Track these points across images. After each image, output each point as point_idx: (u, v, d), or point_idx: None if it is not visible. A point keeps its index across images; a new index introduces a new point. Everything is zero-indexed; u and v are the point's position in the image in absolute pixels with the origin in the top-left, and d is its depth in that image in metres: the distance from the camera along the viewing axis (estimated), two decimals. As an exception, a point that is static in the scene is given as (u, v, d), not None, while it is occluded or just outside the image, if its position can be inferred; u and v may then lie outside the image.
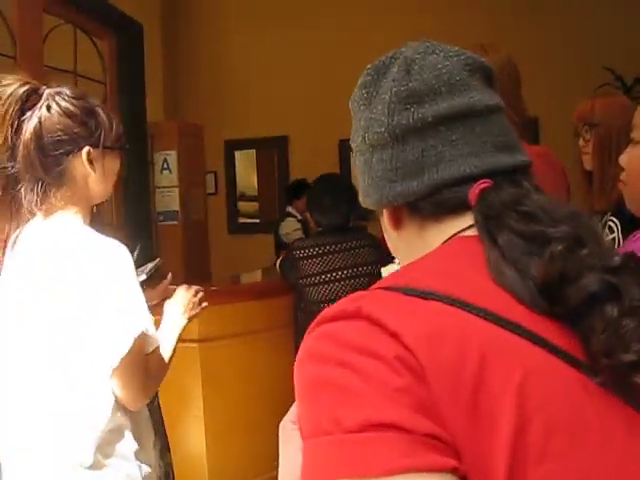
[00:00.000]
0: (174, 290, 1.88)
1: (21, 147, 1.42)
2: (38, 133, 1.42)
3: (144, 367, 1.43)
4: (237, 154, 6.94)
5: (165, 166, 6.04)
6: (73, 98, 1.47)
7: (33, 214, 1.47)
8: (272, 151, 6.88)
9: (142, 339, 1.40)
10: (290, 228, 5.59)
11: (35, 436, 1.43)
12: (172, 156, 6.05)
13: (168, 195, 6.06)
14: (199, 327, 3.14)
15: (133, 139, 5.68)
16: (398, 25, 5.42)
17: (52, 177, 1.44)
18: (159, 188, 6.08)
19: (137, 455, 1.46)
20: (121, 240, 1.46)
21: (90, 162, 1.48)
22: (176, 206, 6.05)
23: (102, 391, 1.42)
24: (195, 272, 6.08)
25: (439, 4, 5.91)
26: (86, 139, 1.47)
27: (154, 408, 1.74)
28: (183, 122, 6.41)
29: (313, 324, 0.67)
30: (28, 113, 1.42)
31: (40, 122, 1.42)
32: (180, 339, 1.69)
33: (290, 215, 5.73)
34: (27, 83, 1.44)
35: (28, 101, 1.43)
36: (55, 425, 1.42)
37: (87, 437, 1.41)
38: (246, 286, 4.12)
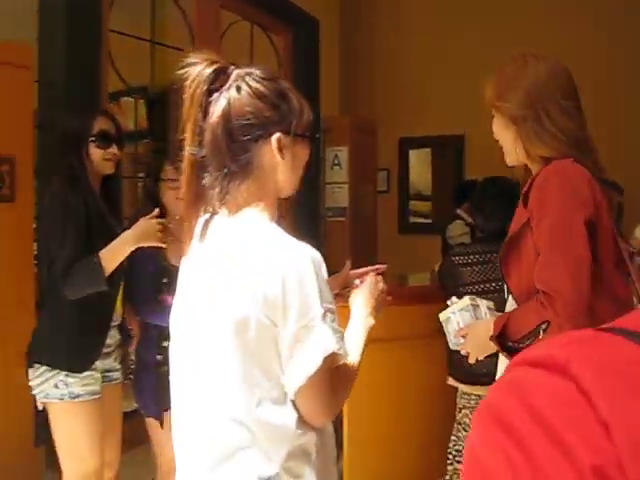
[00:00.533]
0: (356, 276, 1.72)
1: (208, 131, 1.30)
2: (226, 116, 1.29)
3: (331, 383, 1.28)
4: (411, 152, 6.78)
5: (336, 162, 6.03)
6: (264, 79, 1.33)
7: (215, 207, 1.34)
8: (447, 150, 6.66)
9: (331, 357, 1.24)
10: (457, 231, 5.31)
11: (211, 439, 1.31)
12: (343, 152, 6.02)
13: (338, 191, 6.04)
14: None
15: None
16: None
17: (238, 165, 1.30)
18: (329, 184, 6.08)
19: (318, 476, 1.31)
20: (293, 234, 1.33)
21: (280, 150, 1.31)
22: (345, 202, 6.02)
23: (287, 399, 1.28)
24: (361, 270, 6.01)
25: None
26: (277, 124, 1.31)
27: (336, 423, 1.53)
28: (356, 118, 6.37)
29: (513, 360, 0.49)
30: (216, 95, 1.30)
31: (229, 104, 1.29)
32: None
33: (459, 217, 5.44)
34: (215, 62, 1.32)
35: (216, 82, 1.31)
36: (233, 424, 1.28)
37: (273, 448, 1.27)
38: (404, 290, 3.91)
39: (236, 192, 1.31)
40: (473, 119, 6.05)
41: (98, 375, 2.39)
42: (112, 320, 2.43)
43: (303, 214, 5.69)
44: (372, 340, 3.09)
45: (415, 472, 3.26)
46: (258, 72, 1.33)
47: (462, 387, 3.08)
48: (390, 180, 6.77)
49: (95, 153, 2.37)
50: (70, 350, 2.31)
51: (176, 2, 4.57)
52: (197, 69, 1.30)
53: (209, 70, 1.30)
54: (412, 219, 6.82)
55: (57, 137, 2.79)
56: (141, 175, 4.76)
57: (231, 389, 1.27)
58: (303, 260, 1.25)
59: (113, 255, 2.23)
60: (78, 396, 2.30)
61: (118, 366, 2.53)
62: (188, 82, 1.30)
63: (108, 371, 2.47)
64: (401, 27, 6.55)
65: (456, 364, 3.06)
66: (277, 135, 1.30)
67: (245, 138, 1.29)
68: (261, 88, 1.30)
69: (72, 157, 2.36)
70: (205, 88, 1.29)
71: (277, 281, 1.22)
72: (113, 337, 2.47)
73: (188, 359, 1.36)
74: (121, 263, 2.26)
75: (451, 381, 3.10)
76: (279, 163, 1.32)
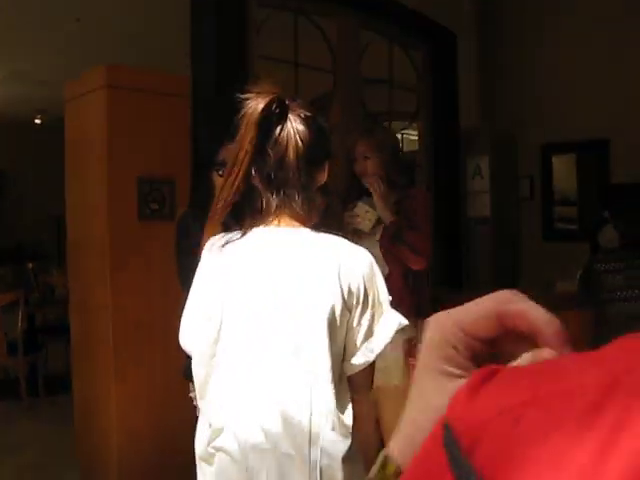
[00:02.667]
0: None
1: (277, 155, 1.53)
2: (297, 146, 1.53)
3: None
4: (555, 158, 6.65)
5: (477, 171, 6.04)
6: (316, 115, 1.60)
7: (270, 217, 1.57)
8: (592, 155, 6.47)
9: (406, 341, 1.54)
10: (607, 236, 5.16)
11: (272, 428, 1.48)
12: (484, 161, 6.02)
13: (479, 200, 6.04)
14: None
15: (444, 145, 5.79)
16: None
17: (302, 185, 1.55)
18: (470, 193, 6.09)
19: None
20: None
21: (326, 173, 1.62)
22: (487, 211, 6.00)
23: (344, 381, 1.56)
24: (506, 278, 5.95)
25: None
26: (329, 153, 1.62)
27: None
28: (496, 127, 6.35)
29: None
30: (284, 123, 1.53)
31: (300, 136, 1.53)
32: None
33: (607, 222, 5.30)
34: (271, 95, 1.52)
35: (272, 111, 1.53)
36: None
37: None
38: (550, 297, 3.86)
39: (296, 205, 1.55)
40: (618, 122, 5.90)
41: None
42: None
43: (445, 224, 5.76)
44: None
45: None
46: (309, 107, 1.58)
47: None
48: (533, 187, 6.66)
49: (217, 180, 2.41)
50: None
51: (317, 27, 4.81)
52: (255, 100, 1.52)
53: (266, 101, 1.51)
54: (557, 226, 6.67)
55: (199, 162, 3.04)
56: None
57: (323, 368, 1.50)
58: (371, 260, 1.55)
59: None
60: None
61: None
62: (246, 110, 1.51)
63: None
64: (542, 32, 6.47)
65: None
66: (328, 161, 1.60)
67: (311, 165, 1.55)
68: (322, 123, 1.59)
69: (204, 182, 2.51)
70: (261, 116, 1.49)
71: (358, 276, 1.51)
72: None
73: (264, 348, 1.52)
74: None
75: None
76: (322, 185, 1.61)
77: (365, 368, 1.55)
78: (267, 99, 1.52)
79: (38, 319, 7.32)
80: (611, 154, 6.16)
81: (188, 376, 1.75)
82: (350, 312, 1.51)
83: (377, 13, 5.15)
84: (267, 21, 4.33)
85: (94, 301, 3.49)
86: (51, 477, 4.15)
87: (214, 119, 3.88)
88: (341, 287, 1.49)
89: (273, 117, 1.53)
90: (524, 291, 0.44)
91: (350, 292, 1.50)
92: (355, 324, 1.52)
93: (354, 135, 3.32)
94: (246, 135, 1.51)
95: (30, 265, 10.06)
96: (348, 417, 1.51)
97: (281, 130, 1.53)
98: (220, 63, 3.88)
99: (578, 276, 3.25)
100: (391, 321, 1.55)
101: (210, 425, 1.54)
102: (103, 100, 3.37)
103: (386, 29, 5.40)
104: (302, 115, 1.56)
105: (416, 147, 5.91)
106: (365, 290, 1.51)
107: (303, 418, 1.46)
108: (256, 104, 1.52)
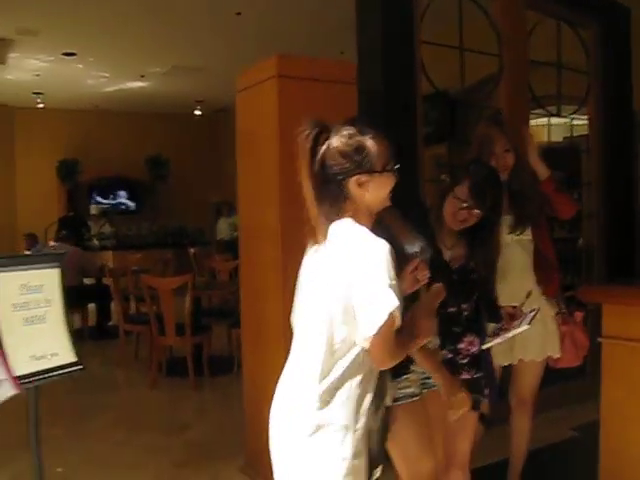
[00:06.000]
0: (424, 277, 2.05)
1: (315, 172, 1.89)
2: (322, 164, 1.88)
3: (393, 336, 1.77)
4: None
5: (651, 157, 5.65)
6: (348, 137, 1.88)
7: (329, 220, 1.89)
8: None
9: (391, 317, 1.73)
10: None
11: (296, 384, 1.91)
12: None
13: (654, 188, 5.66)
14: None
15: (617, 129, 5.46)
16: None
17: (336, 194, 1.89)
18: (645, 180, 5.71)
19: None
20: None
21: (360, 185, 1.87)
22: (662, 199, 5.61)
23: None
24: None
25: None
26: (354, 170, 1.86)
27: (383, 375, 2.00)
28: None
29: None
30: (319, 148, 1.88)
31: (323, 157, 1.88)
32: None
33: None
34: (319, 126, 1.89)
35: (319, 139, 1.89)
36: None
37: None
38: None
39: (340, 209, 1.88)
40: None
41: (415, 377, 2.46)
42: None
43: (617, 212, 5.44)
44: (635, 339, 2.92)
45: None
46: (344, 132, 1.88)
47: None
48: None
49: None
50: None
51: (484, 9, 4.66)
52: (306, 131, 1.88)
53: (314, 131, 1.88)
54: None
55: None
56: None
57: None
58: (376, 248, 1.77)
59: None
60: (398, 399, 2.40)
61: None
62: (300, 139, 1.88)
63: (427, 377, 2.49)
64: None
65: None
66: (355, 177, 1.86)
67: (335, 179, 1.87)
68: (341, 146, 1.86)
69: None
70: (311, 145, 1.87)
71: (358, 261, 1.77)
72: None
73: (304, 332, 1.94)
74: None
75: None
76: (363, 194, 1.88)
77: (376, 342, 1.76)
78: (315, 129, 1.91)
79: (204, 302, 7.67)
80: None
81: None
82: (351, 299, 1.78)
83: (544, -9, 4.93)
84: (431, 5, 4.25)
85: (266, 287, 3.59)
86: (221, 454, 4.33)
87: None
88: (344, 273, 1.79)
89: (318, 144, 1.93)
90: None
91: (350, 277, 1.78)
92: (354, 306, 1.78)
93: (489, 129, 3.29)
94: (302, 162, 1.93)
95: (192, 250, 10.59)
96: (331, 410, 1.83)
97: (317, 154, 1.92)
98: (386, 49, 3.86)
99: None
100: (383, 304, 1.74)
101: None
102: (275, 89, 3.44)
103: (553, 8, 5.14)
104: (333, 141, 1.90)
105: (586, 132, 5.60)
106: (361, 273, 1.76)
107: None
108: (306, 135, 1.91)
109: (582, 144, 5.92)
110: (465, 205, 2.50)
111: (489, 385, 2.70)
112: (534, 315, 2.72)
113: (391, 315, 1.73)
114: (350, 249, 1.82)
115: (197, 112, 14.28)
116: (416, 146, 3.83)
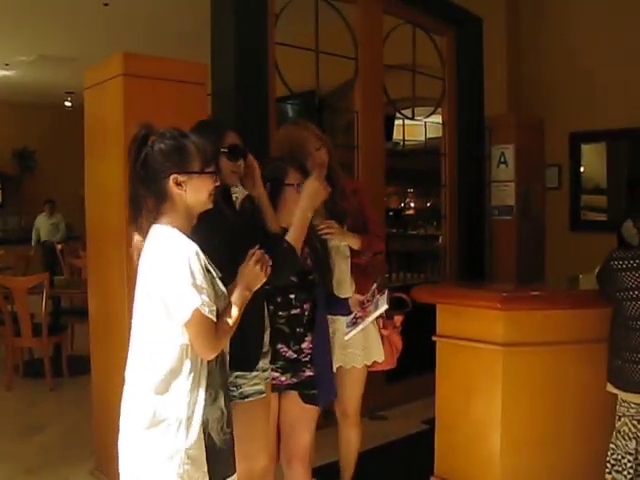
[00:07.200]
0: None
1: (138, 174, 1.97)
2: (144, 164, 1.95)
3: (207, 330, 1.87)
4: (584, 146, 6.53)
5: (502, 160, 5.96)
6: (170, 138, 1.95)
7: (150, 221, 1.97)
8: (624, 143, 6.35)
9: (197, 313, 1.84)
10: (629, 231, 5.00)
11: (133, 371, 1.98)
12: (509, 150, 5.95)
13: (504, 189, 5.97)
14: (504, 330, 3.10)
15: (469, 132, 5.71)
16: None
17: (157, 195, 1.95)
18: (495, 182, 6.01)
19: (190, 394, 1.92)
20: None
21: (178, 185, 1.93)
22: (512, 201, 5.94)
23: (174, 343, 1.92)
24: (528, 269, 5.89)
25: None
26: (172, 168, 1.92)
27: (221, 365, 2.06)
28: (522, 115, 6.25)
29: None
30: (143, 149, 1.95)
31: (146, 157, 1.95)
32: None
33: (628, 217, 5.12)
34: (145, 128, 1.97)
35: (146, 140, 1.96)
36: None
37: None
38: (561, 294, 3.66)
39: (160, 210, 1.96)
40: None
41: (264, 375, 2.46)
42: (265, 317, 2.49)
43: (468, 213, 5.70)
44: (535, 344, 3.08)
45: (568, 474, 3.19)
46: (167, 134, 1.95)
47: (622, 394, 2.97)
48: (561, 176, 6.55)
49: (225, 165, 2.40)
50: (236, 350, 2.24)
51: (339, 12, 4.75)
52: (135, 130, 1.97)
53: (141, 133, 1.96)
54: (586, 216, 6.55)
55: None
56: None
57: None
58: (180, 251, 1.87)
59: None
60: (247, 396, 2.40)
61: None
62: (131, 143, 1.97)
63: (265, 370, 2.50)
64: (569, 20, 6.35)
65: (615, 371, 2.97)
66: (173, 176, 1.93)
67: (154, 179, 1.94)
68: (163, 147, 1.93)
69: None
70: (136, 146, 1.95)
71: (162, 265, 1.88)
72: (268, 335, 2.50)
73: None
74: None
75: (610, 388, 3.00)
76: (181, 192, 1.94)
77: (192, 336, 1.88)
78: (143, 131, 1.99)
79: (66, 301, 7.41)
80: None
81: None
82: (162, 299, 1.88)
83: (401, -2, 5.08)
84: (287, 7, 4.30)
85: (112, 287, 3.53)
86: (72, 457, 4.22)
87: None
88: (153, 276, 1.90)
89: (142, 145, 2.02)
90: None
91: (156, 279, 1.89)
92: (163, 307, 1.88)
93: (299, 131, 3.09)
94: (128, 161, 2.03)
95: (59, 247, 10.20)
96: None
97: (141, 154, 2.01)
98: (239, 50, 3.87)
99: (595, 272, 3.17)
100: (187, 303, 1.85)
101: None
102: (120, 88, 3.36)
103: (409, 14, 5.32)
104: (156, 143, 1.96)
105: (439, 134, 5.83)
106: (167, 277, 1.86)
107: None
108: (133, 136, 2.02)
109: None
110: None
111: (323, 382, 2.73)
112: (387, 295, 2.66)
113: (197, 311, 1.84)
114: (157, 252, 1.92)
115: (67, 104, 13.76)
116: (268, 147, 3.85)
